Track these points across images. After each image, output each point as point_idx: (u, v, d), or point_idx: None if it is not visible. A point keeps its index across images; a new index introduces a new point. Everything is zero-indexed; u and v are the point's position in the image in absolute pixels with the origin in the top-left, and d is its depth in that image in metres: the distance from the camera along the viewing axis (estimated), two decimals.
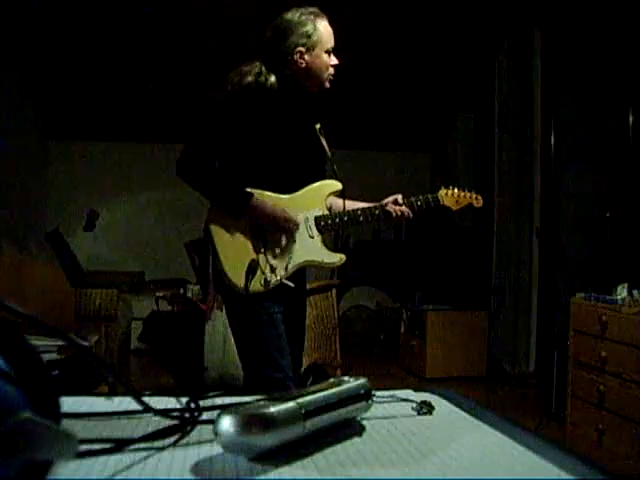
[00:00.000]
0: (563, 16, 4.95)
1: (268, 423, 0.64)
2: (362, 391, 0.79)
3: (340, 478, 0.61)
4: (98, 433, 0.74)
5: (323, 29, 2.16)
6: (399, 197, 2.25)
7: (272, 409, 0.65)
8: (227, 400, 0.88)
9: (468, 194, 2.37)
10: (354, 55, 5.90)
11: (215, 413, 0.66)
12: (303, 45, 2.13)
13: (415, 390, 1.00)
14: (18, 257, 4.37)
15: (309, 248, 2.18)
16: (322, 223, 2.19)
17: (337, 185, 2.24)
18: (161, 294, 5.25)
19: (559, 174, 5.10)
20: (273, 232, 2.14)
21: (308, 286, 2.46)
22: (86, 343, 3.55)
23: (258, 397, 0.76)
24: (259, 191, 2.13)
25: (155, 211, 6.97)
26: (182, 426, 0.75)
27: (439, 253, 6.26)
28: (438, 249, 6.31)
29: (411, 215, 2.24)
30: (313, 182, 2.23)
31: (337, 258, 2.21)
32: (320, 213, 2.20)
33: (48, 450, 0.47)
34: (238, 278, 2.06)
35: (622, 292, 3.05)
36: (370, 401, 0.80)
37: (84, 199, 6.86)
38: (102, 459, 0.64)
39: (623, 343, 2.91)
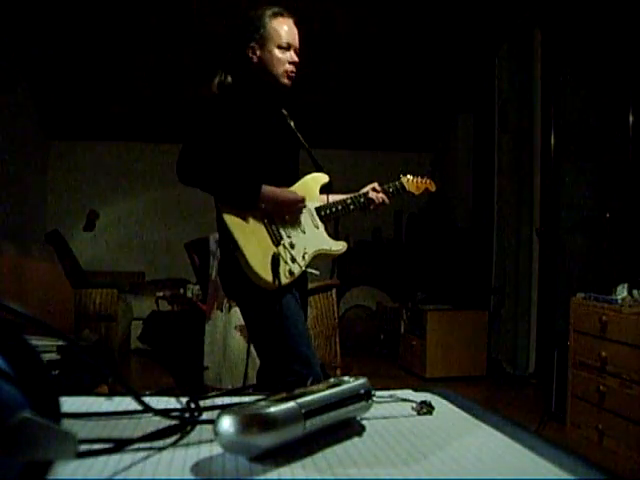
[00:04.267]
0: (563, 16, 4.95)
1: (268, 423, 0.64)
2: (362, 391, 0.79)
3: (340, 478, 0.61)
4: (98, 433, 0.74)
5: (277, 25, 2.21)
6: (376, 185, 2.43)
7: (272, 409, 0.65)
8: (227, 400, 0.88)
9: (426, 180, 2.62)
10: (354, 56, 5.91)
11: (215, 413, 0.66)
12: (254, 40, 2.21)
13: (415, 390, 1.00)
14: (18, 257, 4.37)
15: (318, 238, 2.26)
16: (323, 213, 2.30)
17: (325, 177, 2.36)
18: (161, 294, 5.26)
19: (559, 174, 5.10)
20: (285, 219, 2.18)
21: (308, 286, 2.47)
22: (86, 343, 3.55)
23: (258, 397, 0.76)
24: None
25: (155, 211, 6.97)
26: (182, 426, 0.75)
27: (439, 253, 6.26)
28: (438, 249, 6.31)
29: (387, 201, 2.42)
30: (294, 175, 2.30)
31: (341, 245, 2.33)
32: (319, 204, 2.30)
33: (48, 450, 0.47)
34: (266, 273, 2.07)
35: (622, 292, 3.05)
36: (370, 401, 0.80)
37: (84, 199, 6.87)
38: (102, 459, 0.64)
39: (623, 343, 2.91)
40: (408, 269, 6.67)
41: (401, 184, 2.52)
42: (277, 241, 2.13)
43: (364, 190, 2.40)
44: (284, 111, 2.34)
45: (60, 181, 6.89)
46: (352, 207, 2.35)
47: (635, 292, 3.02)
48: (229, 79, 2.23)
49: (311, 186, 2.32)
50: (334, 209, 2.32)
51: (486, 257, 5.83)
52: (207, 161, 2.11)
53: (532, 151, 5.37)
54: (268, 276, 2.07)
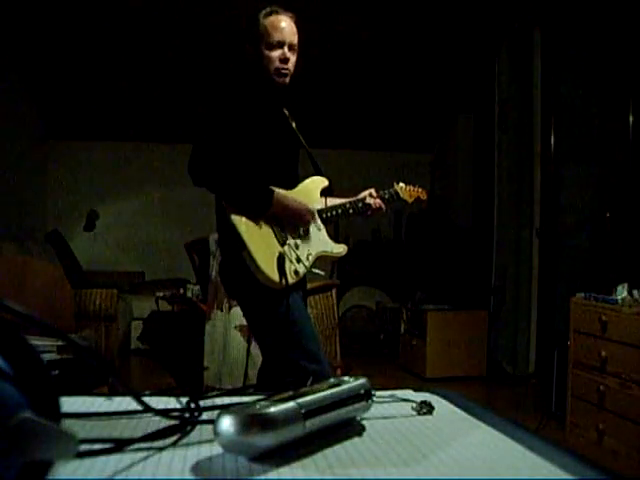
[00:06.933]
0: (563, 16, 4.95)
1: (268, 423, 0.64)
2: (362, 391, 0.79)
3: (340, 478, 0.61)
4: (98, 433, 0.74)
5: (267, 23, 2.20)
6: (372, 191, 2.46)
7: (272, 409, 0.65)
8: (227, 400, 0.88)
9: (418, 189, 2.65)
10: (354, 56, 5.91)
11: (215, 413, 0.66)
12: (248, 41, 2.24)
13: (415, 390, 1.00)
14: (18, 257, 4.37)
15: (320, 239, 2.30)
16: (324, 215, 2.33)
17: (325, 181, 2.40)
18: (161, 294, 5.25)
19: (559, 174, 5.09)
20: (293, 225, 2.21)
21: (308, 286, 2.47)
22: (86, 343, 3.55)
23: (258, 397, 0.76)
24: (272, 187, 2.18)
25: (155, 211, 6.97)
26: (182, 426, 0.75)
27: (439, 253, 6.26)
28: (438, 249, 6.31)
29: (384, 207, 2.46)
30: (294, 177, 2.32)
31: (342, 248, 2.38)
32: (320, 206, 2.33)
33: (48, 450, 0.47)
34: (272, 272, 2.08)
35: (622, 292, 3.05)
36: (370, 401, 0.80)
37: (84, 199, 6.87)
38: (102, 459, 0.63)
39: (623, 343, 2.91)
40: (408, 269, 6.67)
41: (395, 192, 2.56)
42: (283, 241, 2.16)
43: (362, 195, 2.44)
44: (286, 111, 2.33)
45: (60, 181, 6.89)
46: (351, 211, 2.40)
47: (635, 292, 3.02)
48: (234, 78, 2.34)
49: (311, 189, 2.35)
50: (334, 212, 2.36)
51: (486, 257, 5.83)
52: (218, 164, 2.09)
53: (532, 151, 5.37)
54: (275, 275, 2.08)
